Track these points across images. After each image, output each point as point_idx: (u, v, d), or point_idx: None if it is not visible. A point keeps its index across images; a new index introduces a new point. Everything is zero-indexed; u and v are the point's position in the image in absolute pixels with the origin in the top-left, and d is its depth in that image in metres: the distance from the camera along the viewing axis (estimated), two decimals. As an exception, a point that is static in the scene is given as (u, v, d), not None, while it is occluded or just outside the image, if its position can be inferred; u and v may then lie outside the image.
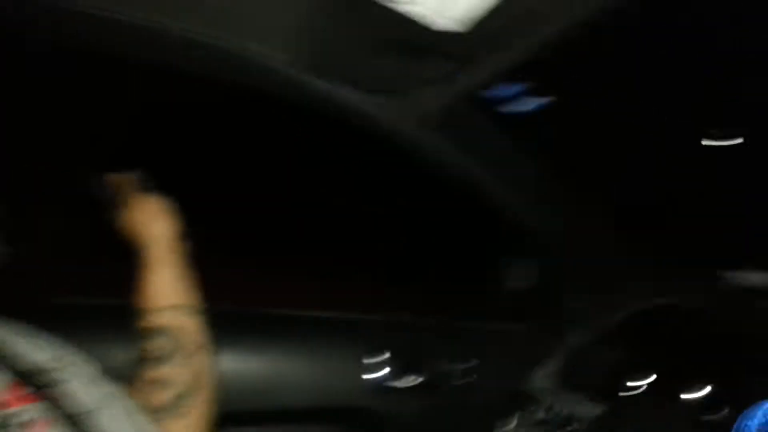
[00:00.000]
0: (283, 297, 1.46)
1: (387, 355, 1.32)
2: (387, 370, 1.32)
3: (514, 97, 1.05)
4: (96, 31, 0.88)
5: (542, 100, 1.03)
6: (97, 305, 1.23)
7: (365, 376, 1.31)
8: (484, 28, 0.77)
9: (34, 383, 0.60)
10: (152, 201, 0.91)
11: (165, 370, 0.82)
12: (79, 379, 0.67)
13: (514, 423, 1.03)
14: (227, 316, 1.28)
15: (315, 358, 1.30)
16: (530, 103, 1.06)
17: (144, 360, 0.82)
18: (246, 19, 0.86)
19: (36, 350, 0.66)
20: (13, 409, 0.56)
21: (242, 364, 1.25)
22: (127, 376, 0.80)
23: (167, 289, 0.87)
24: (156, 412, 0.79)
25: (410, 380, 1.33)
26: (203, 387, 0.84)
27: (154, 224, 0.89)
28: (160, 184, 0.96)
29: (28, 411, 0.57)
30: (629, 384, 1.12)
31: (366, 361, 1.31)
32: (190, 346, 0.85)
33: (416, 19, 0.77)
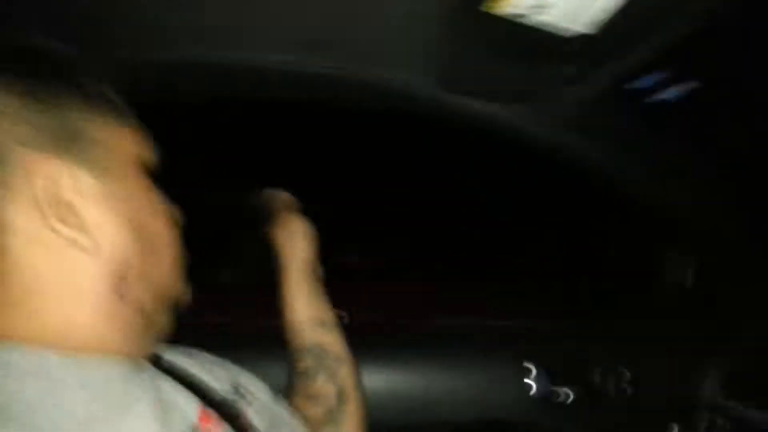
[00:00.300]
0: (434, 307, 1.51)
1: (544, 364, 1.32)
2: (545, 380, 1.31)
3: (656, 87, 1.00)
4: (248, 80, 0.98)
5: (686, 87, 0.97)
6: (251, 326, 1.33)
7: (523, 388, 1.31)
8: (615, 27, 0.75)
9: (219, 412, 0.65)
10: (296, 220, 0.99)
11: (314, 386, 0.89)
12: (256, 406, 0.73)
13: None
14: (381, 329, 1.36)
15: (470, 370, 1.32)
16: (674, 91, 1.00)
17: (296, 374, 0.91)
18: (384, 49, 0.92)
19: (216, 380, 0.72)
20: (207, 426, 0.62)
21: (397, 378, 1.29)
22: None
23: (305, 308, 0.94)
24: (314, 424, 0.86)
25: (570, 390, 1.31)
26: (352, 399, 0.91)
27: (295, 243, 0.97)
28: (310, 205, 1.05)
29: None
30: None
31: (523, 371, 1.31)
32: (333, 360, 0.91)
33: (545, 27, 0.77)
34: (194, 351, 0.78)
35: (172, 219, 0.67)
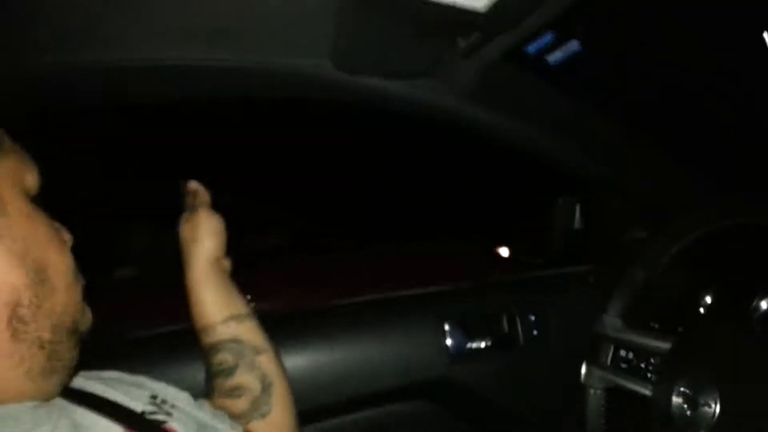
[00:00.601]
0: (344, 285, 1.53)
1: (456, 321, 1.38)
2: (460, 337, 1.37)
3: (547, 49, 1.05)
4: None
5: (574, 47, 1.03)
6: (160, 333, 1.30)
7: (440, 348, 1.36)
8: (507, 3, 0.78)
9: (142, 428, 0.65)
10: (203, 216, 0.93)
11: (234, 380, 0.87)
12: (178, 416, 0.72)
13: (590, 369, 1.07)
14: (296, 315, 1.36)
15: (389, 339, 1.35)
16: (564, 51, 1.06)
17: (213, 375, 0.88)
18: (282, 35, 0.91)
19: (133, 399, 0.71)
20: None
21: (315, 356, 1.30)
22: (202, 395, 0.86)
23: (215, 305, 0.90)
24: (239, 420, 0.84)
25: (482, 342, 1.39)
26: (277, 385, 0.89)
27: (199, 241, 0.91)
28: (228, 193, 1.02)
29: None
30: (696, 309, 1.15)
31: (439, 332, 1.37)
32: (250, 351, 0.89)
33: (440, 3, 0.79)
34: (106, 373, 0.75)
35: (63, 242, 0.63)
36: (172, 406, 0.73)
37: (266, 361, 0.90)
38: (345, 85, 1.03)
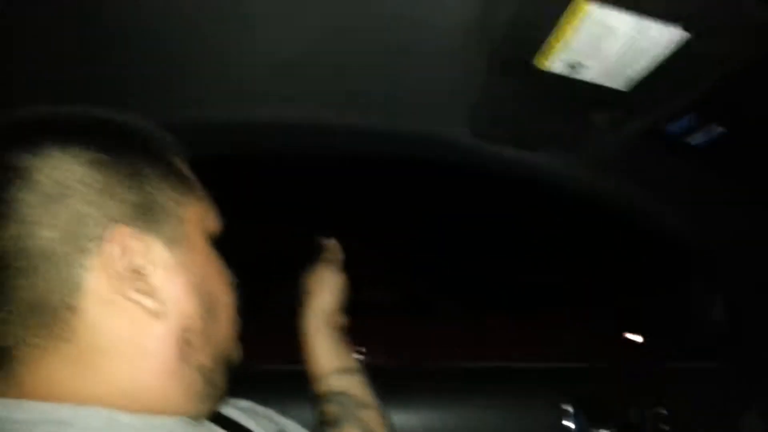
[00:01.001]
0: (469, 347, 1.52)
1: (582, 405, 1.33)
2: (583, 421, 1.31)
3: (689, 129, 1.03)
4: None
5: (717, 130, 1.01)
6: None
7: (561, 430, 1.31)
8: (650, 83, 0.80)
9: None
10: (327, 271, 1.02)
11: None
12: None
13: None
14: (414, 372, 1.37)
15: (508, 411, 1.32)
16: (707, 133, 1.04)
17: (321, 423, 0.92)
18: (424, 102, 0.97)
19: (266, 429, 0.76)
20: None
21: (431, 420, 1.29)
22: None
23: (327, 357, 0.97)
24: None
25: (608, 431, 1.31)
26: None
27: (320, 294, 1.00)
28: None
29: None
30: None
31: (561, 413, 1.32)
32: (356, 406, 0.93)
33: (584, 82, 0.82)
34: (242, 402, 0.81)
35: (230, 283, 0.69)
36: None
37: (370, 417, 0.93)
38: (479, 152, 1.07)
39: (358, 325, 1.05)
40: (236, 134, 1.06)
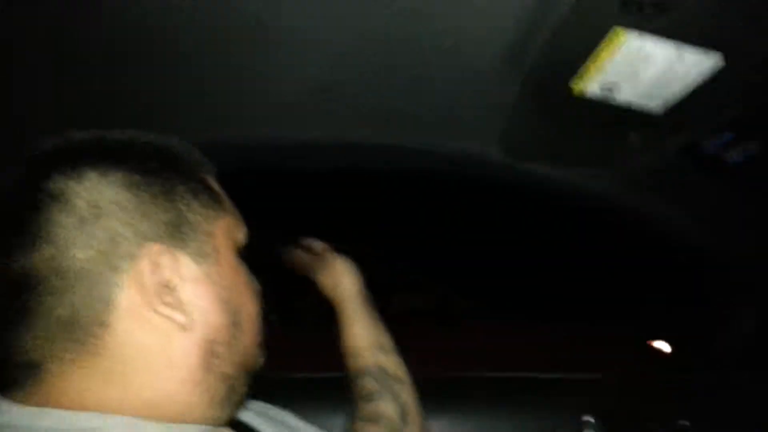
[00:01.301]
0: (489, 356, 1.52)
1: (603, 417, 1.32)
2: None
3: (725, 148, 1.03)
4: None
5: (748, 149, 1.00)
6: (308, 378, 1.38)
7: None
8: (686, 108, 0.80)
9: None
10: (337, 260, 1.04)
11: (375, 406, 0.92)
12: None
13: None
14: (433, 382, 1.37)
15: (524, 421, 1.32)
16: (743, 152, 1.03)
17: (357, 398, 0.94)
18: (457, 120, 0.99)
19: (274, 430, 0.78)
20: None
21: (456, 427, 1.30)
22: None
23: (364, 334, 0.98)
24: None
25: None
26: (415, 419, 0.94)
27: (343, 281, 1.02)
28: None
29: None
30: None
31: (582, 425, 1.32)
32: (392, 381, 0.94)
33: (620, 105, 0.82)
34: (256, 404, 0.83)
35: (256, 292, 0.71)
36: None
37: (406, 394, 0.95)
38: (511, 168, 1.08)
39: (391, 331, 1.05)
40: (268, 152, 1.08)
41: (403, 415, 0.92)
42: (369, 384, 0.94)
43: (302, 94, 0.92)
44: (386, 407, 0.92)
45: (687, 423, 1.33)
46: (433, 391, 1.32)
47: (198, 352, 0.60)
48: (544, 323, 2.20)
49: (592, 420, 1.32)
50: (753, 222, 1.13)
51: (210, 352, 0.61)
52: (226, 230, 0.67)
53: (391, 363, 0.97)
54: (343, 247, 1.09)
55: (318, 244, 1.09)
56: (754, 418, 1.27)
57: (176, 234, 0.60)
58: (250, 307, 0.68)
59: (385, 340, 0.99)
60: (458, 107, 0.96)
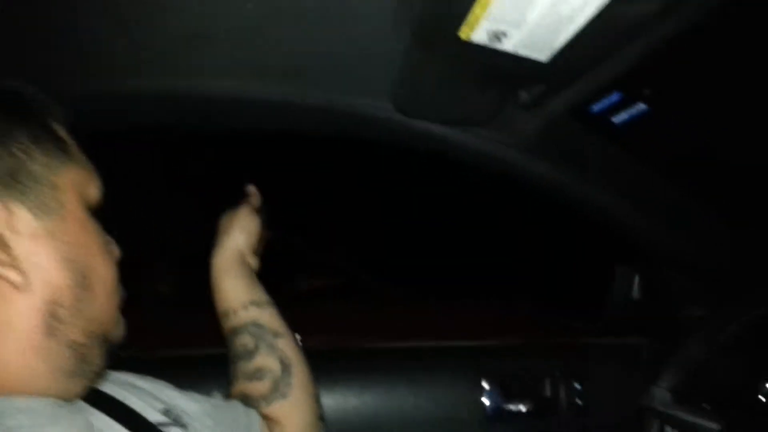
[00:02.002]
0: (386, 329, 1.50)
1: (497, 381, 1.33)
2: (498, 397, 1.33)
3: (613, 108, 1.04)
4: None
5: (641, 108, 1.01)
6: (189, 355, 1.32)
7: (476, 406, 1.32)
8: (570, 55, 0.78)
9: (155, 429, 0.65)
10: (241, 212, 0.99)
11: (254, 363, 0.89)
12: (192, 431, 0.72)
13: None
14: (328, 353, 1.34)
15: (424, 389, 1.31)
16: (630, 112, 1.04)
17: (235, 359, 0.91)
18: (348, 76, 0.94)
19: (149, 407, 0.71)
20: None
21: (346, 403, 1.28)
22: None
23: (235, 292, 0.94)
24: (261, 401, 0.87)
25: (521, 405, 1.34)
26: (297, 368, 0.91)
27: (230, 232, 0.97)
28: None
29: None
30: (754, 395, 1.08)
31: (476, 389, 1.32)
32: (270, 335, 0.91)
33: (505, 54, 0.79)
34: (122, 376, 0.76)
35: (111, 255, 0.66)
36: (189, 416, 0.74)
37: (285, 345, 0.92)
38: (404, 128, 1.04)
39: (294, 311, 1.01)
40: (152, 106, 0.99)
41: (285, 367, 0.90)
42: (246, 341, 0.91)
43: (177, 41, 0.84)
44: (266, 361, 0.89)
45: (578, 385, 1.37)
46: (338, 362, 1.31)
47: (37, 316, 0.55)
48: (449, 299, 2.22)
49: (486, 386, 1.32)
50: (640, 183, 1.15)
51: (52, 316, 0.56)
52: (74, 183, 0.61)
53: (267, 317, 0.93)
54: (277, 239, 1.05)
55: (254, 197, 1.03)
56: (637, 381, 1.30)
57: (11, 184, 0.55)
58: (102, 270, 0.63)
59: (259, 295, 0.95)
60: (347, 61, 0.91)
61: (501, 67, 0.83)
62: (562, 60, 0.79)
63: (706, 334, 1.04)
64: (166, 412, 0.73)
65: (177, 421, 0.72)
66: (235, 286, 0.94)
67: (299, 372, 0.91)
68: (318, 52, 0.89)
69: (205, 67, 0.90)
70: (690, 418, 0.95)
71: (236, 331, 0.92)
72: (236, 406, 0.83)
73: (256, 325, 0.92)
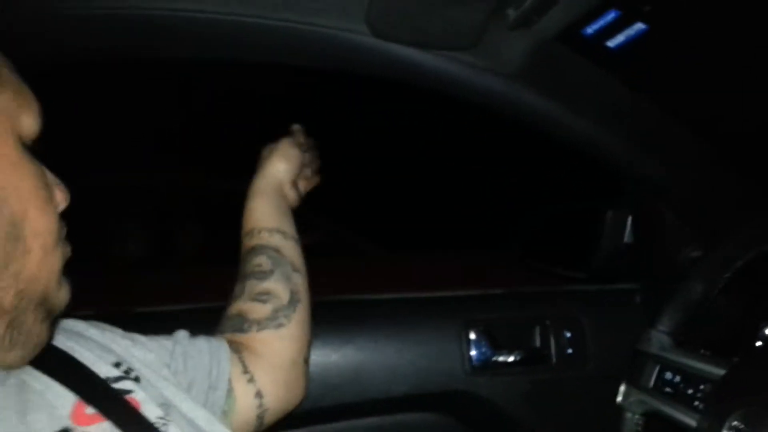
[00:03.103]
0: (368, 282, 1.43)
1: (485, 331, 1.27)
2: (485, 347, 1.27)
3: (608, 30, 0.95)
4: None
5: (639, 29, 0.92)
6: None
7: (463, 356, 1.26)
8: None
9: (101, 404, 0.58)
10: (284, 143, 0.99)
11: (265, 285, 0.87)
12: (146, 384, 0.65)
13: (630, 391, 0.95)
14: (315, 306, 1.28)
15: (407, 341, 1.26)
16: (627, 35, 0.95)
17: (246, 276, 0.89)
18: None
19: (101, 361, 0.65)
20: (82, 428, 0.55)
21: (330, 355, 1.23)
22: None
23: (265, 215, 0.93)
24: (253, 325, 0.85)
25: (510, 356, 1.28)
26: (303, 305, 0.89)
27: (272, 161, 0.97)
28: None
29: None
30: (753, 339, 1.03)
31: (463, 339, 1.27)
32: (287, 265, 0.90)
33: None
34: (79, 326, 0.70)
35: (52, 202, 0.57)
36: (136, 378, 0.66)
37: (300, 280, 0.91)
38: (381, 55, 0.95)
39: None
40: (102, 28, 0.89)
41: (293, 299, 0.88)
42: (262, 261, 0.89)
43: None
44: (276, 286, 0.88)
45: (568, 333, 1.31)
46: (317, 315, 1.23)
47: None
48: (433, 252, 2.16)
49: (473, 336, 1.26)
50: (636, 115, 1.07)
51: None
52: (1, 111, 0.52)
53: (289, 248, 0.93)
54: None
55: (298, 133, 1.04)
56: (630, 327, 1.24)
57: None
58: (38, 220, 0.54)
59: (288, 227, 0.95)
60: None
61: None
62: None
63: (708, 271, 0.97)
64: (117, 365, 0.66)
65: (129, 374, 0.65)
66: (265, 210, 0.94)
67: (303, 310, 0.89)
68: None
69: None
70: (692, 362, 0.89)
71: (255, 250, 0.90)
72: (200, 346, 0.78)
73: (277, 251, 0.90)
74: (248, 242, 0.92)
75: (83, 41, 0.91)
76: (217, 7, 0.86)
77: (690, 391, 0.87)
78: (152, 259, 2.51)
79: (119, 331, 0.73)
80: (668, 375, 0.92)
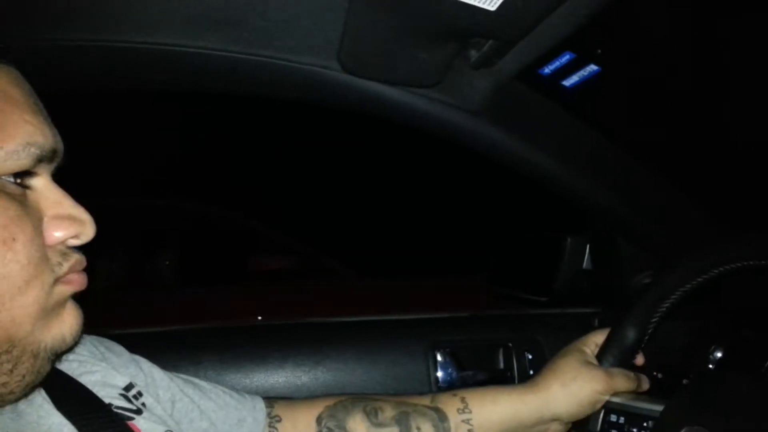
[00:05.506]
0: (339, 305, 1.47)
1: (451, 353, 1.32)
2: (451, 368, 1.31)
3: (563, 71, 1.01)
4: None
5: (593, 71, 0.99)
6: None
7: (429, 377, 1.30)
8: (520, 4, 0.75)
9: (96, 428, 0.58)
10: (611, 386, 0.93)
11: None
12: (148, 414, 0.65)
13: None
14: (277, 328, 1.32)
15: (376, 362, 1.29)
16: (581, 75, 1.02)
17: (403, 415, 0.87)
18: (293, 33, 0.89)
19: (107, 386, 0.64)
20: None
21: (301, 377, 1.25)
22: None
23: (492, 414, 0.93)
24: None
25: (474, 377, 1.32)
26: None
27: (580, 396, 0.93)
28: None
29: None
30: (705, 362, 1.08)
31: (429, 361, 1.31)
32: None
33: (452, 6, 0.76)
34: (103, 345, 0.70)
35: (28, 243, 0.51)
36: (143, 404, 0.66)
37: None
38: (351, 90, 1.00)
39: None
40: (75, 59, 0.92)
41: None
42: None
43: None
44: None
45: (530, 356, 1.36)
46: (288, 337, 1.29)
47: None
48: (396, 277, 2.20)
49: (440, 357, 1.30)
50: (590, 149, 1.14)
51: None
52: None
53: None
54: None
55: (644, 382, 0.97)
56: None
57: None
58: (10, 264, 0.49)
59: None
60: (292, 15, 0.87)
61: (448, 17, 0.79)
62: (510, 10, 0.76)
63: (634, 322, 1.01)
64: (126, 391, 0.66)
65: (137, 399, 0.65)
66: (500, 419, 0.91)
67: None
68: (260, 6, 0.84)
69: (133, 17, 0.84)
70: (632, 403, 0.93)
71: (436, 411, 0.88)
72: (241, 400, 0.79)
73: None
74: (441, 399, 0.90)
75: (61, 71, 0.95)
76: (196, 42, 0.90)
77: (635, 430, 0.91)
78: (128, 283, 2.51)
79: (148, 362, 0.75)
80: (613, 417, 0.96)
